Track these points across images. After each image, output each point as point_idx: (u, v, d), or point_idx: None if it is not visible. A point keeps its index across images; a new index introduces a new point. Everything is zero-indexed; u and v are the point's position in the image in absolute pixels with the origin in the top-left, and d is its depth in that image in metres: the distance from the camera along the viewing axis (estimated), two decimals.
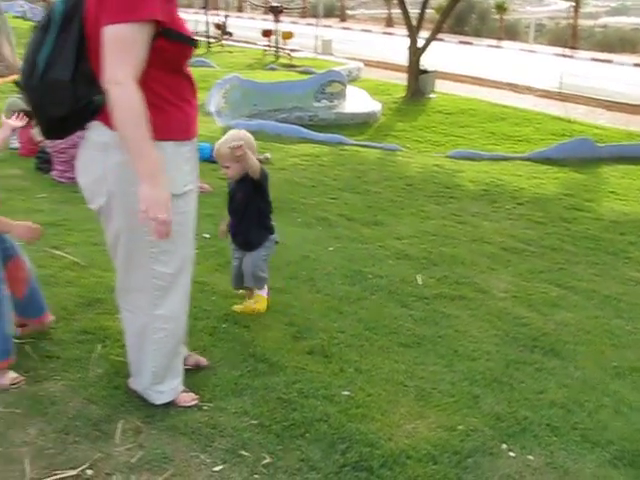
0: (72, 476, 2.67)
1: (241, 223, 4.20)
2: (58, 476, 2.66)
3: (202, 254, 5.06)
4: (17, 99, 8.75)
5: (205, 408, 3.17)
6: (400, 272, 5.43)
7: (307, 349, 3.84)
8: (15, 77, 15.39)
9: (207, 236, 5.46)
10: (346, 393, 3.43)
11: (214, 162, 8.84)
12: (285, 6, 27.82)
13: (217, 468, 2.81)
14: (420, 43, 16.97)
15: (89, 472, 2.70)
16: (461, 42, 30.48)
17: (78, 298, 4.06)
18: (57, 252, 4.77)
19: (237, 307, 4.24)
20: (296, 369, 3.58)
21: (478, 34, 33.08)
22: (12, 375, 3.22)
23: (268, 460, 2.88)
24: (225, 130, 12.28)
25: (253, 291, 4.29)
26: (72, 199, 6.45)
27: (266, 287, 4.32)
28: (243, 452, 2.91)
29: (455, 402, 3.52)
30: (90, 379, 3.28)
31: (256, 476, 2.79)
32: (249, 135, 4.02)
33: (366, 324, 4.34)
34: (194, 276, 4.50)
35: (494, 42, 30.64)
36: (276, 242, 4.38)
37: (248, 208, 4.15)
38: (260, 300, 4.25)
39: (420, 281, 5.29)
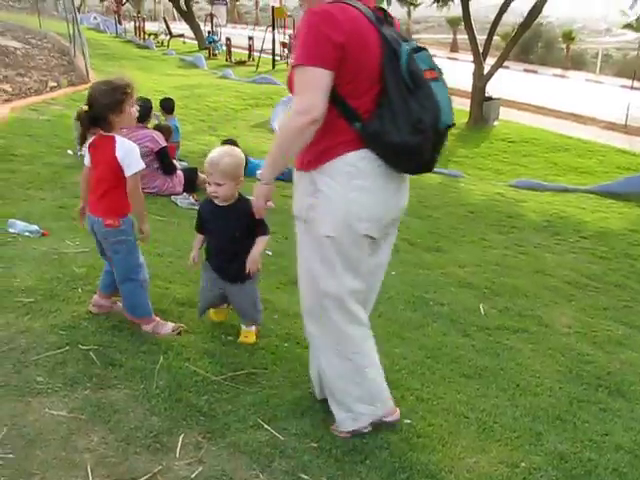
0: None
1: (235, 259, 3.74)
2: None
3: (264, 272, 5.04)
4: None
5: (266, 427, 3.14)
6: (462, 300, 5.36)
7: None
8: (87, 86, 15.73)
9: (269, 253, 5.46)
10: (407, 421, 3.36)
11: (279, 179, 9.02)
12: None
13: None
14: (485, 69, 16.88)
15: None
16: (526, 70, 30.29)
17: None
18: None
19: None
20: None
21: (544, 63, 32.85)
22: (171, 325, 3.87)
23: None
24: None
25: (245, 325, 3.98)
26: None
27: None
28: (303, 475, 2.87)
29: (517, 438, 3.43)
30: (153, 390, 3.28)
31: None
32: (240, 151, 3.75)
33: (428, 352, 4.28)
34: None
35: (559, 71, 30.36)
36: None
37: (245, 244, 3.71)
38: (249, 335, 3.94)
39: (483, 311, 5.21)
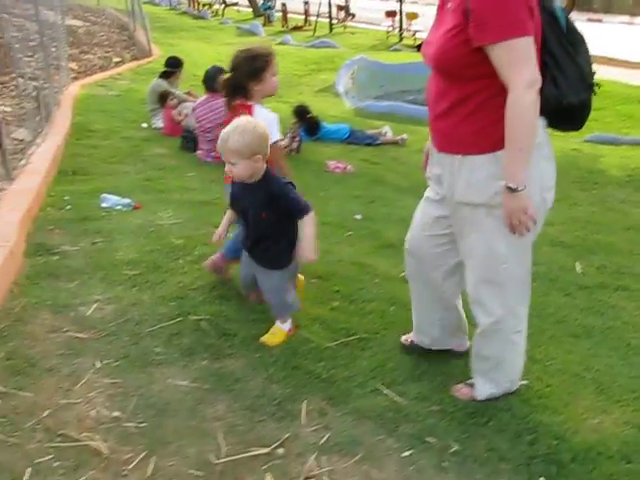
0: (265, 454, 2.67)
1: (262, 241, 3.37)
2: (252, 453, 2.67)
3: (357, 236, 5.04)
4: (161, 81, 8.98)
5: (385, 392, 3.12)
6: (557, 260, 5.25)
7: None
8: (149, 59, 15.84)
9: (359, 217, 5.42)
10: (524, 382, 3.31)
11: (353, 143, 8.97)
12: None
13: (406, 453, 2.76)
14: None
15: (280, 451, 2.70)
16: (590, 20, 29.40)
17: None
18: None
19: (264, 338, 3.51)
20: None
21: (608, 10, 31.77)
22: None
23: (456, 448, 2.81)
24: (356, 112, 12.33)
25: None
26: (221, 179, 6.55)
27: (289, 321, 3.55)
28: (429, 438, 2.85)
29: (637, 398, 3.35)
30: (268, 359, 3.29)
31: (445, 464, 2.72)
32: (262, 125, 3.17)
33: (532, 311, 4.15)
34: (352, 258, 4.51)
35: (627, 18, 29.38)
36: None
37: (278, 227, 3.30)
38: (277, 332, 3.51)
39: (579, 270, 5.09)
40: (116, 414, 2.83)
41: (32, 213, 4.82)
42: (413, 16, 22.91)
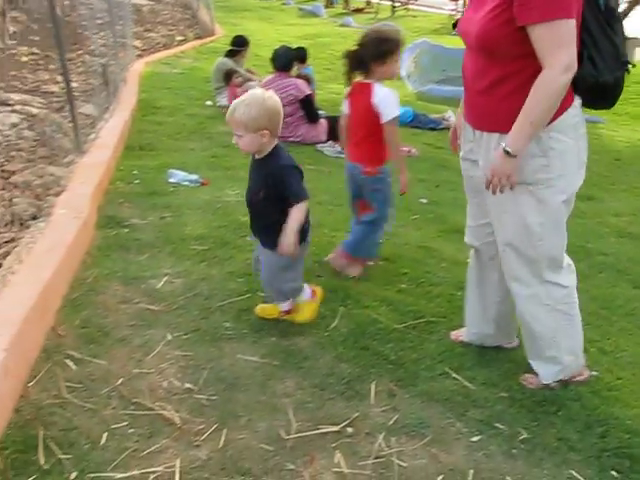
0: (334, 432, 2.68)
1: (259, 220, 3.27)
2: (322, 430, 2.68)
3: (422, 220, 5.01)
4: (226, 59, 9.02)
5: (454, 376, 3.11)
6: (626, 251, 5.15)
7: None
8: (212, 38, 15.92)
9: (424, 201, 5.39)
10: (594, 373, 3.26)
11: (417, 127, 8.90)
12: None
13: (475, 438, 2.74)
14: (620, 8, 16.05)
15: (350, 430, 2.70)
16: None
17: (314, 256, 4.10)
18: None
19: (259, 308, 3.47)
20: None
21: None
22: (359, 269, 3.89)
23: (525, 435, 2.78)
24: (418, 95, 12.23)
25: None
26: None
27: (306, 289, 3.41)
28: (498, 424, 2.82)
29: None
30: (336, 337, 3.30)
31: (514, 451, 2.70)
32: (275, 100, 2.99)
33: (600, 303, 4.13)
34: (418, 241, 4.49)
35: None
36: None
37: (273, 210, 3.11)
38: (303, 308, 3.40)
39: None
40: (188, 386, 2.87)
41: (102, 186, 4.90)
42: None
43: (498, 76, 2.65)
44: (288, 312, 3.38)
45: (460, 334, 3.42)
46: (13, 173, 5.50)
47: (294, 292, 3.35)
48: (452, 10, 22.96)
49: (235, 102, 2.97)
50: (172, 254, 4.03)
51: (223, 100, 8.65)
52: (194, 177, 5.37)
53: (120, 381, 2.86)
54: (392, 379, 3.04)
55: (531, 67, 2.53)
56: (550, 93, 2.49)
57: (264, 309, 3.43)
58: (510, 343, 3.41)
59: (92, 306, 3.41)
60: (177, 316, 3.39)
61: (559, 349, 3.04)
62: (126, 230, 4.34)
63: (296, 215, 3.01)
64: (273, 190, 3.04)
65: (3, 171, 5.57)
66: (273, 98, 2.98)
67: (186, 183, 5.29)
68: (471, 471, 2.55)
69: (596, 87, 2.62)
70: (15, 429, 2.54)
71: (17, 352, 2.75)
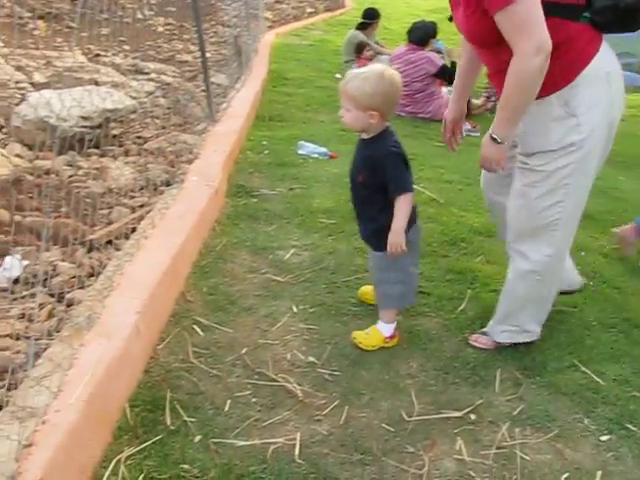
0: (457, 417, 2.63)
1: (361, 211, 2.99)
2: (444, 415, 2.63)
3: None
4: (357, 32, 8.97)
5: (583, 370, 2.98)
6: None
7: None
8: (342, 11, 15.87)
9: None
10: None
11: None
12: None
13: (604, 438, 2.62)
14: None
15: (472, 416, 2.64)
16: None
17: (442, 236, 4.04)
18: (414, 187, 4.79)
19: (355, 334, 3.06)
20: None
21: None
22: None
23: None
24: None
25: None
26: (415, 134, 6.50)
27: (393, 325, 3.04)
28: (630, 425, 2.69)
29: None
30: (463, 320, 3.23)
31: None
32: (395, 80, 2.68)
33: None
34: None
35: None
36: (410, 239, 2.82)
37: (373, 200, 2.84)
38: (372, 334, 3.02)
39: None
40: (311, 359, 2.88)
41: (233, 156, 4.98)
42: None
43: (498, 65, 2.55)
44: (392, 337, 3.04)
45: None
46: (147, 139, 5.66)
47: (404, 300, 3.06)
48: None
49: (352, 72, 2.72)
50: (300, 226, 4.05)
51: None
52: (323, 150, 5.37)
53: (245, 350, 2.90)
54: (518, 367, 2.95)
55: None
56: (523, 78, 2.38)
57: (359, 335, 3.03)
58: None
59: (220, 274, 3.47)
60: (303, 289, 3.40)
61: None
62: (255, 200, 4.39)
63: (402, 210, 2.73)
64: (372, 176, 2.77)
65: (138, 137, 5.75)
66: (394, 77, 2.68)
67: (315, 155, 5.30)
68: (599, 472, 2.44)
69: (619, 14, 2.46)
70: (145, 389, 2.62)
71: (149, 315, 2.83)
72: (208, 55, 5.89)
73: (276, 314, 3.17)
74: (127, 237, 3.53)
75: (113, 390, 2.48)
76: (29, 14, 10.33)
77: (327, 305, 3.25)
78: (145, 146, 5.44)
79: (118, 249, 3.43)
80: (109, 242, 3.55)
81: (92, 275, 3.20)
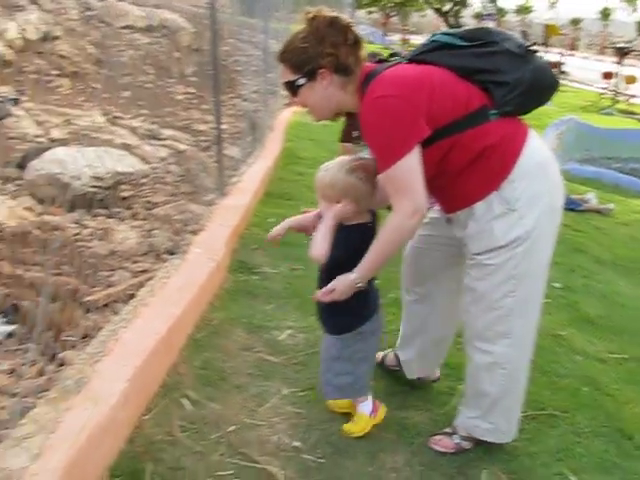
0: None
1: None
2: None
3: (554, 305, 4.84)
4: None
5: (571, 479, 2.94)
6: None
7: None
8: None
9: (557, 285, 5.21)
10: None
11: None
12: (633, 48, 26.09)
13: None
14: None
15: None
16: None
17: None
18: None
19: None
20: None
21: None
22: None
23: None
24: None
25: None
26: None
27: (369, 397, 3.01)
28: None
29: None
30: (452, 417, 3.19)
31: None
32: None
33: None
34: (548, 328, 4.32)
35: None
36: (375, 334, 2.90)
37: (332, 274, 2.62)
38: (357, 420, 2.99)
39: None
40: (297, 444, 2.85)
41: (239, 230, 5.02)
42: (631, 80, 21.79)
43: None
44: (376, 410, 3.01)
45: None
46: (156, 205, 5.73)
47: (350, 389, 2.93)
48: (603, 88, 22.35)
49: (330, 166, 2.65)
50: (298, 307, 4.05)
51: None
52: None
53: (231, 428, 2.89)
54: (505, 470, 2.90)
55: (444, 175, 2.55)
56: (398, 235, 2.47)
57: (348, 427, 3.00)
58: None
59: (214, 349, 3.47)
60: (295, 371, 3.39)
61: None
62: (256, 277, 4.41)
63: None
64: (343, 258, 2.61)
65: (147, 202, 5.82)
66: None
67: None
68: None
69: (534, 86, 2.50)
70: (126, 459, 2.60)
71: (138, 384, 2.83)
72: (224, 127, 5.99)
73: (266, 394, 3.16)
74: (125, 302, 3.55)
75: (94, 458, 2.46)
76: (56, 72, 10.57)
77: (318, 390, 3.22)
78: (153, 211, 5.51)
79: (116, 312, 3.45)
80: (106, 305, 3.57)
81: (86, 336, 3.21)
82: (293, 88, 2.54)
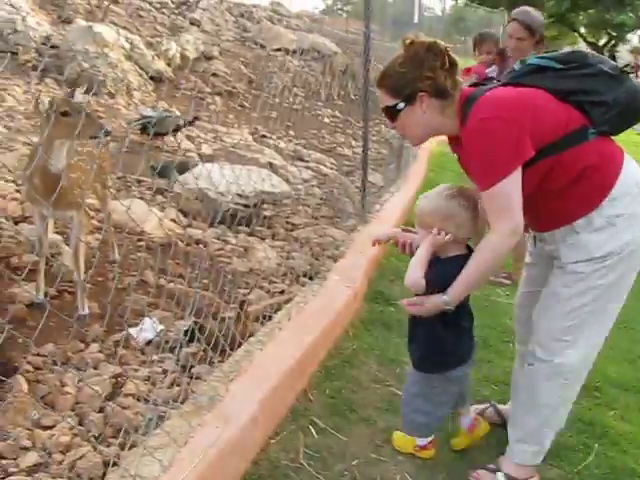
0: None
1: (412, 328, 2.87)
2: None
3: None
4: None
5: None
6: None
7: None
8: None
9: None
10: None
11: None
12: None
13: None
14: None
15: None
16: None
17: None
18: None
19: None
20: None
21: None
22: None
23: None
24: None
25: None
26: None
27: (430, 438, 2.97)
28: None
29: None
30: (585, 477, 3.03)
31: None
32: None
33: None
34: None
35: None
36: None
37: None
38: (407, 440, 3.00)
39: None
40: None
41: (377, 259, 5.01)
42: None
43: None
44: (424, 448, 2.97)
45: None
46: (296, 227, 5.81)
47: (425, 429, 2.94)
48: None
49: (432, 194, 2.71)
50: None
51: None
52: None
53: (355, 462, 2.86)
54: None
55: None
56: (496, 256, 2.45)
57: (399, 438, 3.05)
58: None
59: (345, 378, 3.46)
60: None
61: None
62: (392, 309, 4.38)
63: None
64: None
65: (287, 222, 5.90)
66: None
67: None
68: None
69: (625, 105, 2.47)
70: None
71: (269, 407, 2.85)
72: (369, 153, 6.04)
73: (393, 430, 3.10)
74: (262, 323, 3.60)
75: (221, 476, 2.50)
76: (209, 90, 10.97)
77: (445, 432, 3.15)
78: (293, 233, 5.57)
79: (251, 334, 3.49)
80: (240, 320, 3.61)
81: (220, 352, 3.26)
82: (392, 113, 2.53)
